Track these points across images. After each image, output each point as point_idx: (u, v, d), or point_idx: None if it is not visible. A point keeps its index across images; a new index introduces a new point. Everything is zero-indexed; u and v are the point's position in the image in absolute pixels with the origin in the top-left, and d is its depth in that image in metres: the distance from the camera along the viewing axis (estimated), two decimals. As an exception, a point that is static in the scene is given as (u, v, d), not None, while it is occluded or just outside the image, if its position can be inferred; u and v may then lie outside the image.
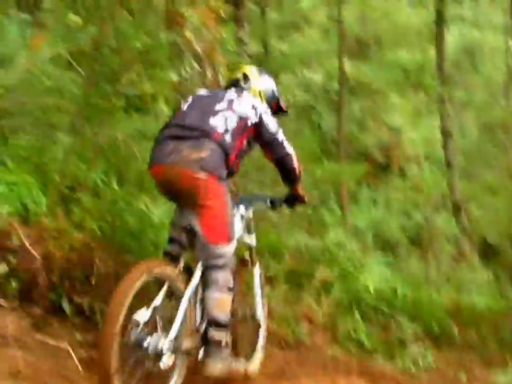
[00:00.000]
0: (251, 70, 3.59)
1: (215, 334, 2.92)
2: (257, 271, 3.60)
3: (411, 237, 9.65)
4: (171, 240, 3.13)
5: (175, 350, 2.78)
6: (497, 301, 7.84)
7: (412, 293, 6.44)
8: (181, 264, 3.00)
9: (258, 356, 3.49)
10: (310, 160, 7.39)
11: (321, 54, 12.96)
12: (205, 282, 2.99)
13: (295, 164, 3.32)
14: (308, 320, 4.86)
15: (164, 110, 4.21)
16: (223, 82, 4.51)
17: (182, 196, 3.00)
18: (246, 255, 3.56)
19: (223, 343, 2.95)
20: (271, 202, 3.60)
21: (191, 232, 3.03)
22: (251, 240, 3.55)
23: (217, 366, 2.92)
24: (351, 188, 10.23)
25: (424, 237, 9.42)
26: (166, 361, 2.72)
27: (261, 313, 3.53)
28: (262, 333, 3.55)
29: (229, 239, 3.00)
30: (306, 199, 3.57)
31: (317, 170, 7.90)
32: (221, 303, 2.95)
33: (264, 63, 9.65)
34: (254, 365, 3.41)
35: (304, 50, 13.21)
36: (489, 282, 8.61)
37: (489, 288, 8.25)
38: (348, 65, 11.00)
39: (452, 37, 10.94)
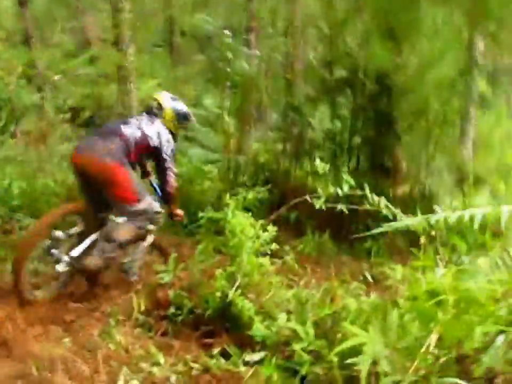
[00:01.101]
0: (164, 97, 4.35)
1: (102, 244, 3.84)
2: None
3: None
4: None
5: (70, 264, 3.81)
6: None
7: (28, 187, 5.80)
8: (98, 215, 3.97)
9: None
10: None
11: None
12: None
13: (171, 189, 4.23)
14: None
15: None
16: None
17: (94, 179, 3.81)
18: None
19: (107, 254, 3.84)
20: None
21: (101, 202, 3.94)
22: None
23: (92, 261, 3.81)
24: None
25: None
26: (61, 267, 3.77)
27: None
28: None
29: (139, 199, 3.87)
30: (180, 218, 4.51)
31: None
32: (122, 227, 3.84)
33: None
34: None
35: None
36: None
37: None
38: None
39: None
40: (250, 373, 2.80)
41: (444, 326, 2.00)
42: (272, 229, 3.63)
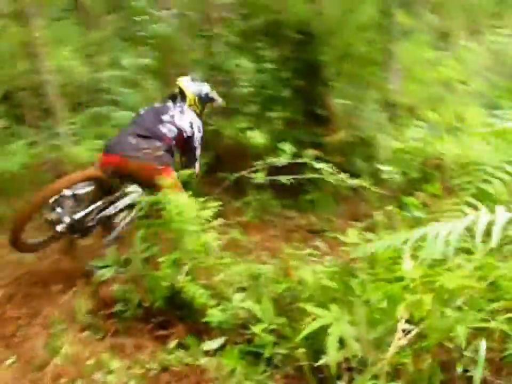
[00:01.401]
0: (185, 82, 4.49)
1: None
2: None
3: None
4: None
5: (70, 225, 3.88)
6: (30, 157, 7.38)
7: None
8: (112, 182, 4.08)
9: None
10: None
11: None
12: None
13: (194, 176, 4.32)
14: None
15: None
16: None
17: (140, 180, 4.05)
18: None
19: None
20: None
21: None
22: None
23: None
24: None
25: None
26: (61, 228, 3.85)
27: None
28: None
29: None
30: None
31: None
32: None
33: None
34: None
35: None
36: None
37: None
38: None
39: None
40: (211, 365, 2.65)
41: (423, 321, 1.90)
42: (213, 205, 3.43)
